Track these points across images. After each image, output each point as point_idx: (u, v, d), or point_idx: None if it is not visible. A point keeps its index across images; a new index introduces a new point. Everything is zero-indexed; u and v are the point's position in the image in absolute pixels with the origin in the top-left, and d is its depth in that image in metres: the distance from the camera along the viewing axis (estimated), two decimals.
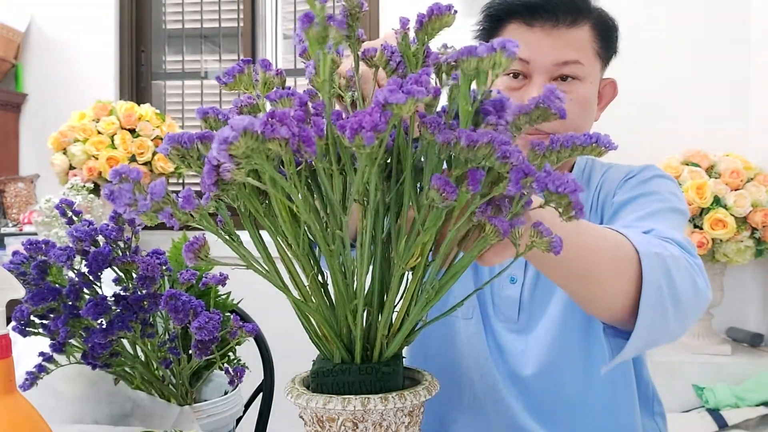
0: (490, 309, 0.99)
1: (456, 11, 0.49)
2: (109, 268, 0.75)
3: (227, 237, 0.48)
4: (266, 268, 0.48)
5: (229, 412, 0.83)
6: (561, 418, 0.95)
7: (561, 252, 0.46)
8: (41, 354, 0.76)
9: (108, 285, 0.76)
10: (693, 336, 2.06)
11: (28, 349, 0.85)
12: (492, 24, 0.96)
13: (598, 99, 1.00)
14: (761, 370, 1.91)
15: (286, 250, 0.49)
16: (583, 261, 0.63)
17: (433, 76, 0.49)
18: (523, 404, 0.95)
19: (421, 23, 0.49)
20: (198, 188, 0.41)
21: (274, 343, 1.28)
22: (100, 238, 0.76)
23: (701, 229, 1.89)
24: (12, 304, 0.57)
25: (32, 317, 0.75)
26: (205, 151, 0.44)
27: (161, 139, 2.34)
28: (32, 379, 0.75)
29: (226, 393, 0.85)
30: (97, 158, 2.21)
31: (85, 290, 0.75)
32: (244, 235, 0.51)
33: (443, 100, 0.48)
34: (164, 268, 0.78)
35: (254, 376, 1.01)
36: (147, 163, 2.29)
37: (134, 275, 0.75)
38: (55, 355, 0.76)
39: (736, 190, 1.91)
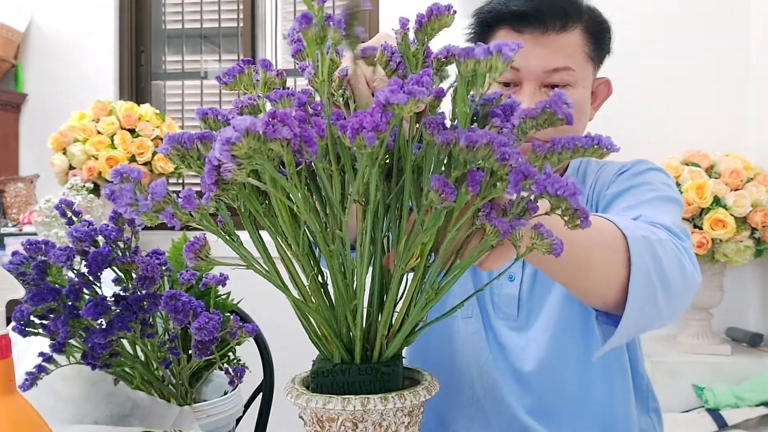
0: (490, 307, 0.99)
1: (455, 11, 0.49)
2: (108, 269, 0.75)
3: (227, 237, 0.48)
4: (266, 268, 0.48)
5: (229, 413, 0.83)
6: (560, 415, 0.96)
7: (561, 253, 0.46)
8: (41, 354, 0.76)
9: (108, 285, 0.76)
10: (693, 336, 2.06)
11: (28, 350, 0.85)
12: (482, 30, 0.97)
13: (593, 98, 1.01)
14: (761, 370, 1.91)
15: (285, 250, 0.49)
16: (575, 252, 0.63)
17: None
18: (523, 402, 0.96)
19: (420, 24, 0.49)
20: (198, 189, 0.41)
21: (274, 343, 1.28)
22: (100, 239, 0.76)
23: (701, 229, 1.89)
24: (12, 305, 0.57)
25: (32, 317, 0.75)
26: (205, 151, 0.44)
27: (161, 139, 2.34)
28: (32, 379, 0.75)
29: (225, 393, 0.85)
30: (96, 158, 2.21)
31: (85, 290, 0.75)
32: (244, 236, 0.51)
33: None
34: (164, 268, 0.78)
35: (254, 377, 1.01)
36: (147, 164, 2.28)
37: (134, 275, 0.75)
38: (55, 356, 0.76)
39: (735, 190, 1.91)
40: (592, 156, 0.47)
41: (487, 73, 0.44)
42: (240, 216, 0.49)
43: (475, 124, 0.51)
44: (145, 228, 0.76)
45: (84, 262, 0.74)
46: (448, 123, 0.46)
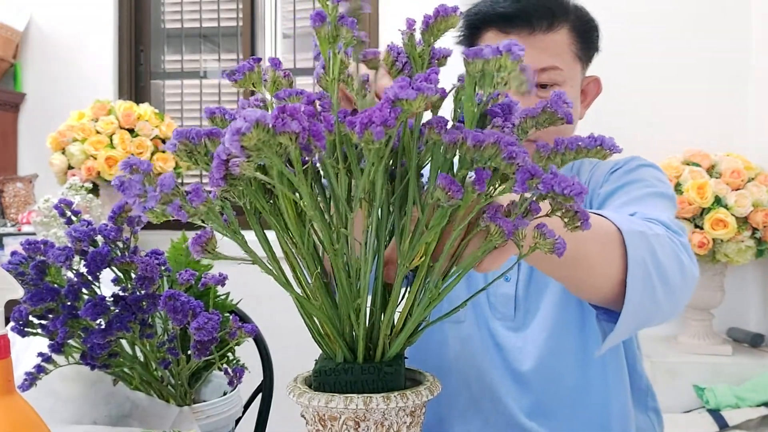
0: (487, 309, 0.99)
1: (461, 13, 0.49)
2: (107, 269, 0.75)
3: (232, 233, 0.48)
4: (270, 266, 0.48)
5: (229, 413, 0.83)
6: (557, 414, 0.96)
7: (563, 253, 0.46)
8: (40, 354, 0.75)
9: (107, 285, 0.76)
10: (693, 336, 2.06)
11: (27, 350, 0.84)
12: (471, 32, 0.97)
13: (583, 97, 1.02)
14: (762, 371, 1.91)
15: (291, 248, 0.49)
16: (571, 249, 0.63)
17: None
18: (521, 402, 0.96)
19: (427, 24, 0.49)
20: None
21: (274, 343, 1.28)
22: (99, 238, 0.75)
23: (702, 229, 1.89)
24: (11, 305, 0.56)
25: (31, 317, 0.75)
26: (213, 147, 0.44)
27: (160, 138, 2.34)
28: (31, 379, 0.74)
29: (225, 394, 0.84)
30: (95, 158, 2.21)
31: (84, 290, 0.75)
32: (249, 236, 0.50)
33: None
34: (163, 268, 0.78)
35: (253, 377, 1.01)
36: None
37: (133, 275, 0.75)
38: (54, 356, 0.75)
39: (736, 190, 1.91)
40: (595, 156, 0.47)
41: (495, 73, 0.44)
42: (246, 214, 0.48)
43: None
44: (144, 228, 0.76)
45: (83, 262, 0.74)
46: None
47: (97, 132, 2.25)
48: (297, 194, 0.44)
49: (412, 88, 0.39)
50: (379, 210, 0.47)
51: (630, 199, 0.87)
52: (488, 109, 0.49)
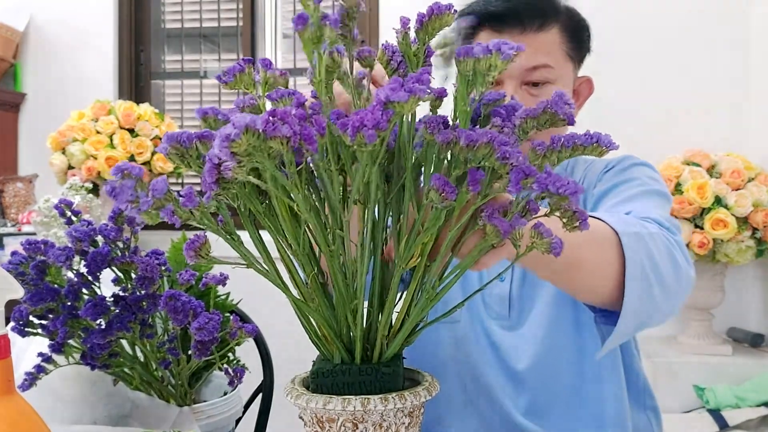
0: (481, 308, 0.99)
1: (456, 11, 0.49)
2: (108, 269, 0.75)
3: (228, 236, 0.47)
4: (266, 268, 0.48)
5: (229, 413, 0.83)
6: (554, 413, 0.96)
7: (561, 253, 0.46)
8: (40, 354, 0.75)
9: (107, 285, 0.76)
10: (693, 336, 2.06)
11: (27, 350, 0.84)
12: (465, 31, 0.98)
13: (575, 97, 1.03)
14: (762, 371, 1.91)
15: (286, 249, 0.49)
16: (568, 256, 0.63)
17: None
18: (517, 401, 0.96)
19: (421, 23, 0.49)
20: (198, 188, 0.40)
21: (274, 343, 1.28)
22: (99, 239, 0.75)
23: (702, 229, 1.89)
24: (11, 305, 0.56)
25: (31, 317, 0.75)
26: (205, 150, 0.44)
27: (160, 138, 2.34)
28: (31, 379, 0.74)
29: (225, 394, 0.84)
30: (95, 158, 2.21)
31: (84, 290, 0.75)
32: (244, 236, 0.50)
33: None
34: (163, 268, 0.78)
35: (254, 377, 1.01)
36: (146, 163, 2.28)
37: (133, 275, 0.75)
38: (54, 356, 0.75)
39: (737, 190, 1.90)
40: (591, 154, 0.47)
41: (486, 72, 0.44)
42: (240, 216, 0.48)
43: (477, 125, 0.51)
44: (145, 228, 0.76)
45: (83, 262, 0.74)
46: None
47: (98, 132, 2.25)
48: (291, 197, 0.44)
49: (404, 90, 0.39)
50: (375, 210, 0.47)
51: (624, 198, 0.87)
52: (493, 110, 0.49)
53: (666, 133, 2.19)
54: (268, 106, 0.51)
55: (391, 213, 0.49)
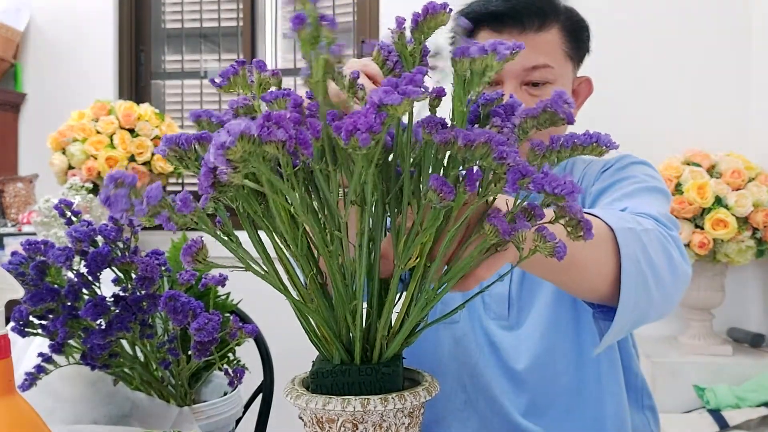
0: (481, 308, 0.99)
1: (451, 10, 0.49)
2: (108, 269, 0.75)
3: (226, 238, 0.47)
4: (265, 269, 0.48)
5: (229, 413, 0.83)
6: (552, 412, 0.96)
7: (564, 257, 0.46)
8: (40, 354, 0.75)
9: (107, 285, 0.76)
10: (694, 336, 2.06)
11: (27, 350, 0.84)
12: (464, 32, 0.98)
13: (575, 96, 1.03)
14: (762, 371, 1.90)
15: (284, 250, 0.49)
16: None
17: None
18: (516, 401, 0.96)
19: (416, 22, 0.49)
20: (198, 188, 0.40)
21: (274, 343, 1.28)
22: (99, 239, 0.75)
23: (702, 229, 1.89)
24: (11, 305, 0.56)
25: (31, 318, 0.75)
26: (203, 152, 0.44)
27: (160, 138, 2.34)
28: (31, 379, 0.74)
29: (225, 394, 0.84)
30: (96, 158, 2.21)
31: (84, 291, 0.75)
32: (243, 236, 0.50)
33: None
34: (163, 268, 0.78)
35: (254, 377, 1.01)
36: (146, 163, 2.28)
37: (133, 276, 0.75)
38: (54, 356, 0.75)
39: (737, 190, 1.90)
40: (591, 154, 0.47)
41: (482, 72, 0.44)
42: (238, 216, 0.48)
43: (477, 125, 0.51)
44: (145, 228, 0.76)
45: (83, 263, 0.74)
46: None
47: (98, 132, 2.25)
48: (288, 199, 0.44)
49: (398, 92, 0.39)
50: (373, 210, 0.47)
51: (621, 195, 0.87)
52: (492, 109, 0.49)
53: (666, 133, 2.19)
54: (264, 107, 0.50)
55: (389, 213, 0.49)
